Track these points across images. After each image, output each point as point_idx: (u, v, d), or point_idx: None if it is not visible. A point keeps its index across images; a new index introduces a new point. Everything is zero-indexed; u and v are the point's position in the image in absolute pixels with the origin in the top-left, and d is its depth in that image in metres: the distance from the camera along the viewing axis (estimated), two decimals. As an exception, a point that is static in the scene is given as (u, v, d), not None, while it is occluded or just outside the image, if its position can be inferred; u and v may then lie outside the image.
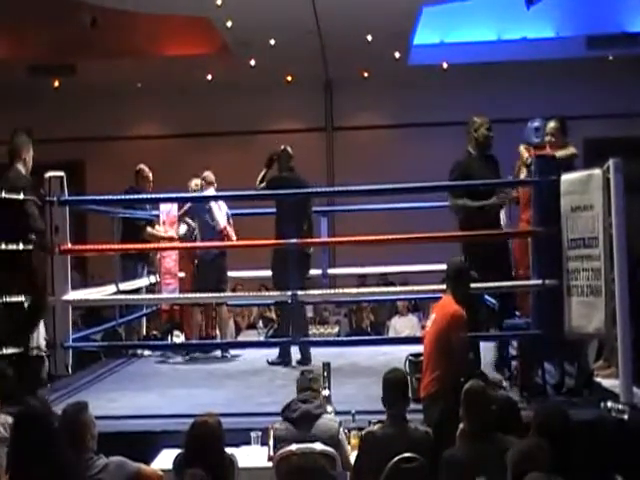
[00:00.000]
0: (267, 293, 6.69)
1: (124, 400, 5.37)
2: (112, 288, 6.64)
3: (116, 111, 12.63)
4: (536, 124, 5.96)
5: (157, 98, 12.60)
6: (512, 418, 3.72)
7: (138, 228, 7.18)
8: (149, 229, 7.21)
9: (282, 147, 6.87)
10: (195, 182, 7.29)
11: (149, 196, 6.98)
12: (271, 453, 3.94)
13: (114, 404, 5.19)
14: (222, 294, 6.70)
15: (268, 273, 6.80)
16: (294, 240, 5.91)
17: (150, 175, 7.33)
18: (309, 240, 6.43)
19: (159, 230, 7.24)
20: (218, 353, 7.00)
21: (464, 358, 4.18)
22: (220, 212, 7.00)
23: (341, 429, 3.95)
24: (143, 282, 7.25)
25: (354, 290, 7.52)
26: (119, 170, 10.68)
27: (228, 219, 7.13)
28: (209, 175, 7.15)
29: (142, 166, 7.39)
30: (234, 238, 7.00)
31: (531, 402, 4.71)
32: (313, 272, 7.53)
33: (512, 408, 3.86)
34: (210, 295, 5.69)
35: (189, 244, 7.04)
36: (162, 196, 7.10)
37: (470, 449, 3.48)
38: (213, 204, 6.97)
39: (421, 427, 3.82)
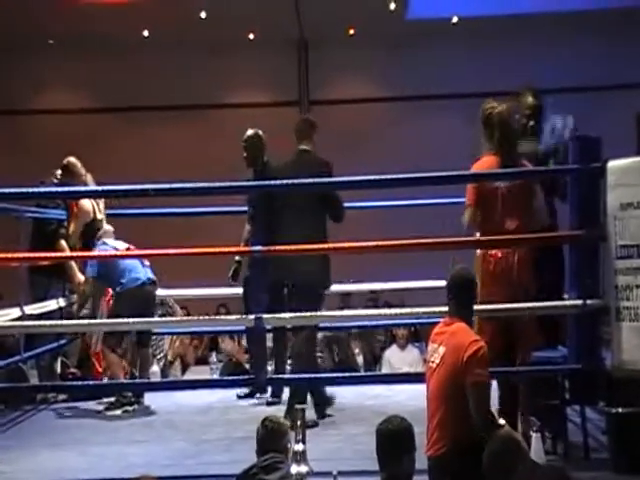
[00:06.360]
0: (228, 317, 6.72)
1: (28, 462, 5.34)
2: (16, 312, 6.57)
3: (17, 76, 12.51)
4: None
5: (75, 59, 12.55)
6: None
7: (51, 232, 7.18)
8: (63, 242, 7.17)
9: (252, 132, 7.03)
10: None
11: (59, 189, 6.98)
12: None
13: (12, 467, 5.16)
14: (161, 319, 6.73)
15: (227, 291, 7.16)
16: (289, 247, 5.76)
17: (83, 171, 7.30)
18: (304, 247, 6.11)
19: None
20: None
21: (485, 405, 4.09)
22: None
23: None
24: (57, 304, 7.21)
25: (337, 313, 7.49)
26: (20, 154, 10.47)
27: None
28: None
29: (71, 159, 7.36)
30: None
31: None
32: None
33: None
34: (139, 320, 5.59)
35: (126, 252, 6.93)
36: (82, 189, 7.04)
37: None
38: None
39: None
